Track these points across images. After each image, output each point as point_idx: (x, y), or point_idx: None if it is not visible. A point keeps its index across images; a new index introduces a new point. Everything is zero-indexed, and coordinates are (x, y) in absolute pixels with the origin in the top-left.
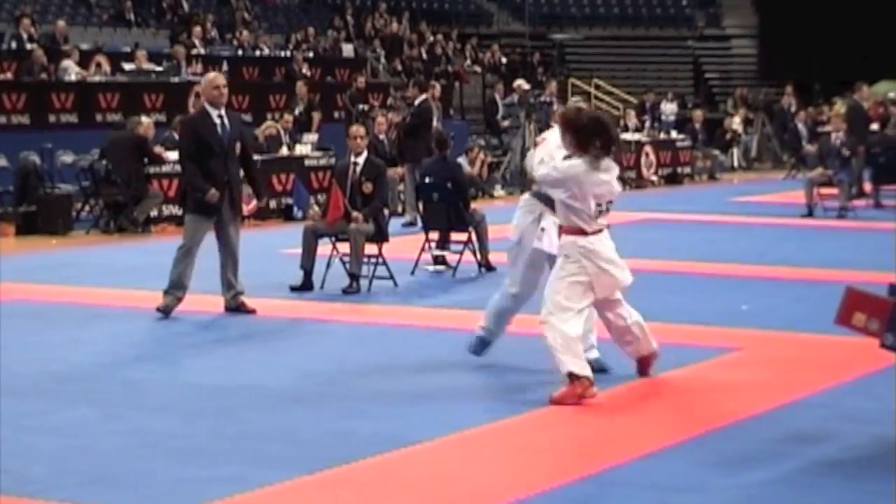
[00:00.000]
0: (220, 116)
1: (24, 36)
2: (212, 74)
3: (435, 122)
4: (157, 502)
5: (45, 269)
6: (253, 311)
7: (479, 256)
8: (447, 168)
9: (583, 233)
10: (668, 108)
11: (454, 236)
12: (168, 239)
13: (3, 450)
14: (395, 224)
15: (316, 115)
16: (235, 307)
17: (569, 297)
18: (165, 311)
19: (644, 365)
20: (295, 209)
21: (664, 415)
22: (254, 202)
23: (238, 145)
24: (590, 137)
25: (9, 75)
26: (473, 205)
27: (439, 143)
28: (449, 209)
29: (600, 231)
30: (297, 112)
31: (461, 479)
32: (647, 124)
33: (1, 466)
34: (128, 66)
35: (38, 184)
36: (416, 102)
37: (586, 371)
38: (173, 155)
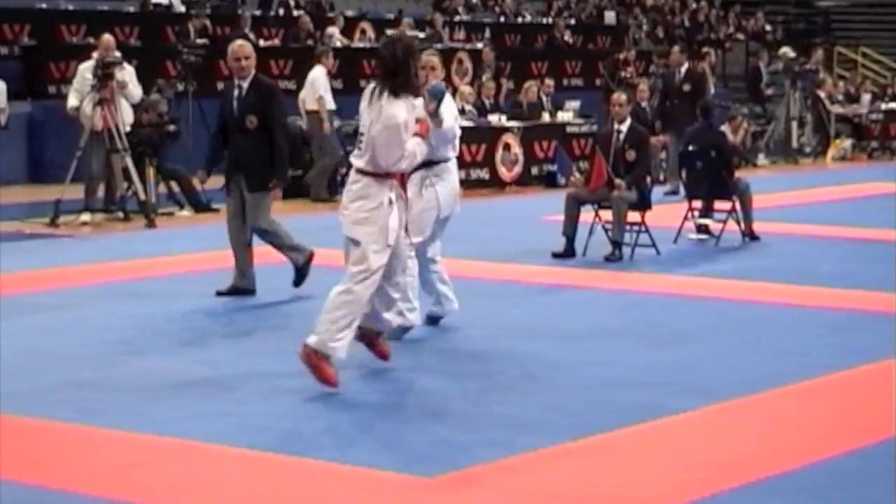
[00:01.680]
0: (240, 87)
1: (291, 3)
2: (235, 44)
3: (712, 90)
4: (420, 464)
5: (310, 232)
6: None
7: (742, 226)
8: (712, 136)
9: None
10: None
11: (718, 205)
12: None
13: (274, 410)
14: (657, 192)
15: (505, 83)
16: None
17: None
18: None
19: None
20: (558, 176)
21: None
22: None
23: (253, 119)
24: None
25: (276, 41)
26: (737, 173)
27: (704, 110)
28: (712, 177)
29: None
30: (483, 79)
31: (721, 449)
32: None
33: (271, 425)
34: (391, 33)
35: (304, 148)
36: (684, 69)
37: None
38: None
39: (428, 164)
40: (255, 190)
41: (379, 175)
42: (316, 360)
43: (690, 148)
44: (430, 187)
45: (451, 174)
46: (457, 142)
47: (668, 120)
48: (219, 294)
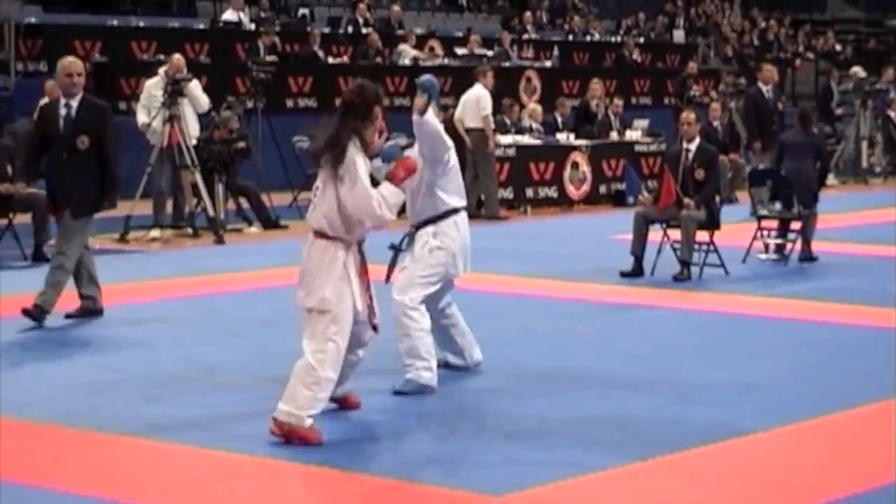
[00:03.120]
0: (68, 106)
1: (360, 20)
2: (66, 60)
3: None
4: (489, 483)
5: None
6: (33, 318)
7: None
8: (810, 142)
9: None
10: None
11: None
12: (507, 222)
13: (344, 428)
14: (726, 211)
15: (507, 102)
16: (28, 311)
17: None
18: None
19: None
20: (626, 195)
21: None
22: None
23: (85, 139)
24: None
25: (345, 59)
26: None
27: (804, 118)
28: (801, 189)
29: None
30: None
31: (794, 469)
32: None
33: (340, 443)
34: (460, 51)
35: None
36: (772, 87)
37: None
38: (505, 139)
39: (432, 219)
40: (80, 215)
41: (337, 238)
42: (290, 430)
43: (761, 167)
44: (438, 248)
45: (461, 225)
46: (460, 190)
47: (767, 138)
48: (68, 316)
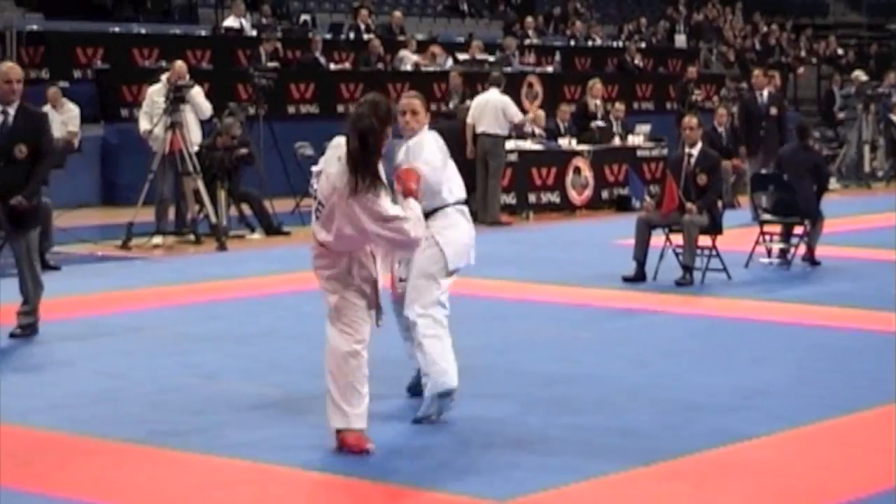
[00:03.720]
0: (5, 113)
1: (362, 27)
2: (5, 66)
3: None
4: (493, 489)
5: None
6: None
7: (806, 249)
8: (809, 156)
9: None
10: None
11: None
12: (509, 228)
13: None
14: (728, 216)
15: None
16: (19, 331)
17: None
18: None
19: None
20: (633, 199)
21: None
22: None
23: (23, 148)
24: None
25: (347, 65)
26: None
27: (801, 131)
28: (802, 199)
29: None
30: (451, 105)
31: (798, 475)
32: None
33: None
34: (462, 56)
35: None
36: (766, 93)
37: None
38: (507, 145)
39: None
40: (22, 222)
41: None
42: (353, 440)
43: (763, 171)
44: (431, 245)
45: (453, 219)
46: (451, 185)
47: (754, 145)
48: (13, 336)
